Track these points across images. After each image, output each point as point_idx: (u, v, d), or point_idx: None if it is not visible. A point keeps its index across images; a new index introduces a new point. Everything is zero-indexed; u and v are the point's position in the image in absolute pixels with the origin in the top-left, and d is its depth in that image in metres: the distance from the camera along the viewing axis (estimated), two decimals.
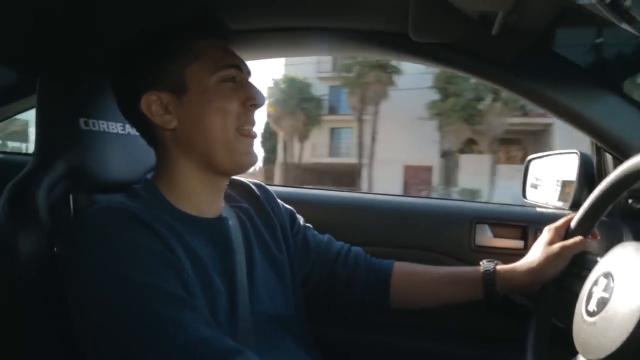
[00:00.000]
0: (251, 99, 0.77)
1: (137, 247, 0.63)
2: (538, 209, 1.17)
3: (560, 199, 1.20)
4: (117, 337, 0.59)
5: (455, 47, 0.95)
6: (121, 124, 0.90)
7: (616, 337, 0.56)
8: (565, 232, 0.91)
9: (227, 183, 0.83)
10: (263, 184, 0.99)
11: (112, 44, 1.04)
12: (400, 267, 0.98)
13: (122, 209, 0.67)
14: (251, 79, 0.81)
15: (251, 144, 0.78)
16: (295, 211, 1.00)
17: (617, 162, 0.99)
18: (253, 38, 1.04)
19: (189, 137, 0.75)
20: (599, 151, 1.07)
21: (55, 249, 0.71)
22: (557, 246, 0.88)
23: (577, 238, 0.87)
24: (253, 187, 0.95)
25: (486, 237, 1.14)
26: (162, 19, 0.77)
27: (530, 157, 1.38)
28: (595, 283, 0.67)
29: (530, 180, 1.35)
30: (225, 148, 0.75)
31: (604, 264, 0.69)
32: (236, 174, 0.81)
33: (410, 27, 0.83)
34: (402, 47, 0.99)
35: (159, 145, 0.79)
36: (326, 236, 1.00)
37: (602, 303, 0.62)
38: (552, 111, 0.99)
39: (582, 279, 0.80)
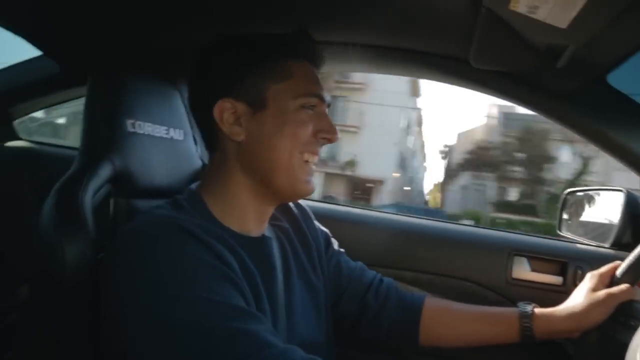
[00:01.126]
0: (324, 132, 0.74)
1: (194, 262, 0.60)
2: (578, 245, 1.13)
3: (599, 237, 1.16)
4: (185, 356, 0.56)
5: (515, 77, 0.92)
6: (165, 128, 0.88)
7: None
8: (611, 280, 0.88)
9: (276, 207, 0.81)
10: (299, 201, 0.95)
11: (165, 41, 1.03)
12: (432, 304, 0.93)
13: (174, 221, 0.64)
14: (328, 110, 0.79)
15: (312, 173, 0.76)
16: (330, 234, 0.96)
17: None
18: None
19: (253, 154, 0.72)
20: None
21: (101, 254, 0.69)
22: (602, 293, 0.84)
23: (624, 286, 0.84)
24: (292, 205, 0.91)
25: (524, 270, 1.10)
26: (250, 27, 0.76)
27: (568, 190, 1.35)
28: None
29: (566, 214, 1.31)
30: (286, 172, 0.72)
31: None
32: (292, 200, 0.79)
33: (472, 53, 0.81)
34: (460, 73, 0.97)
35: (219, 154, 0.75)
36: (359, 264, 0.97)
37: None
38: (606, 148, 0.95)
39: (630, 328, 0.77)
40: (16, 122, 1.40)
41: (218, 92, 0.71)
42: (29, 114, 1.40)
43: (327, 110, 0.77)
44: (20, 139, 1.41)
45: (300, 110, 0.72)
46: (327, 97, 0.76)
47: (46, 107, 1.42)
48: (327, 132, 0.74)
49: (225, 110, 0.71)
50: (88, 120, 0.80)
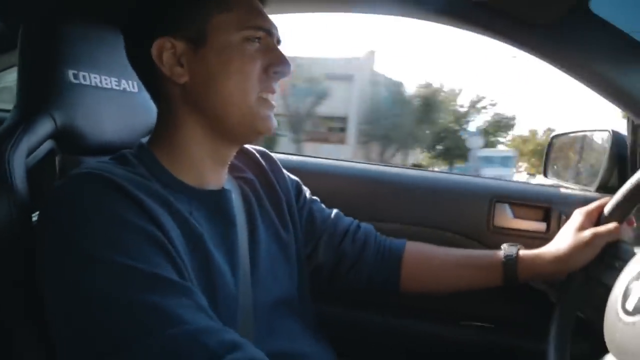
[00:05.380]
0: (276, 65, 0.68)
1: (118, 223, 0.55)
2: (563, 190, 1.09)
3: (586, 180, 1.13)
4: (92, 327, 0.51)
5: (487, 7, 0.84)
6: (116, 79, 0.81)
7: None
8: (598, 218, 0.84)
9: (234, 153, 0.75)
10: (268, 151, 0.90)
11: None
12: (413, 248, 0.91)
13: (103, 176, 0.58)
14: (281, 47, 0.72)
15: (272, 108, 0.70)
16: (301, 182, 0.92)
17: None
18: None
19: (200, 96, 0.66)
20: (635, 130, 0.99)
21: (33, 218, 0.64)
22: (588, 233, 0.81)
23: (612, 225, 0.80)
24: (258, 155, 0.86)
25: (506, 217, 1.06)
26: None
27: (554, 133, 1.30)
28: (637, 278, 0.60)
29: (552, 158, 1.27)
30: (242, 112, 0.66)
31: None
32: (251, 141, 0.73)
33: None
34: (434, 5, 0.89)
35: (164, 102, 0.70)
36: (334, 211, 0.93)
37: None
38: (589, 82, 0.90)
39: (616, 270, 0.73)
40: None
41: (154, 31, 0.65)
42: None
43: (278, 44, 0.71)
44: None
45: (244, 43, 0.66)
46: (275, 30, 0.70)
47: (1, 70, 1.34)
48: (278, 65, 0.68)
49: (164, 50, 0.65)
50: (22, 73, 0.73)
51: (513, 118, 25.06)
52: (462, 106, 22.77)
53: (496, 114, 23.98)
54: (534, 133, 27.51)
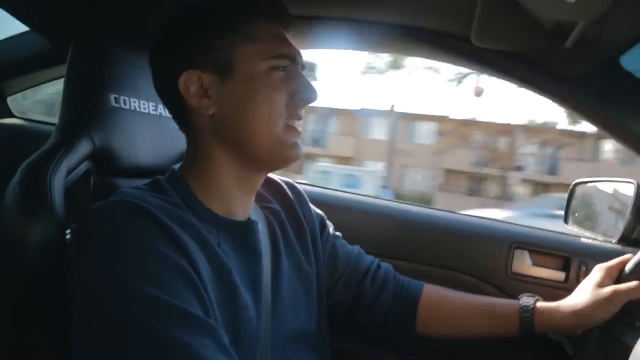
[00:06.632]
0: (301, 92, 0.69)
1: (151, 254, 0.56)
2: (583, 239, 1.08)
3: (608, 231, 1.11)
4: (115, 355, 0.51)
5: (520, 57, 0.86)
6: (153, 104, 0.84)
7: None
8: (619, 275, 0.83)
9: (262, 181, 0.76)
10: (294, 183, 0.91)
11: (156, 15, 0.99)
12: (431, 292, 0.90)
13: (140, 206, 0.59)
14: (305, 72, 0.73)
15: (299, 136, 0.71)
16: (325, 217, 0.92)
17: None
18: (310, 25, 0.96)
19: (228, 126, 0.67)
20: None
21: (68, 237, 0.66)
22: (608, 290, 0.80)
23: (633, 283, 0.79)
24: (284, 186, 0.87)
25: (525, 264, 1.05)
26: None
27: (576, 180, 1.29)
28: None
29: (574, 205, 1.26)
30: (270, 141, 0.67)
31: None
32: (279, 168, 0.73)
33: (473, 31, 0.75)
34: (462, 51, 0.91)
35: (192, 132, 0.70)
36: (356, 248, 0.93)
37: None
38: (617, 135, 0.89)
39: (636, 330, 0.72)
40: (9, 100, 1.37)
41: (181, 64, 0.66)
42: (21, 90, 1.37)
43: (302, 70, 0.72)
44: (14, 116, 1.38)
45: (270, 72, 0.67)
46: (299, 57, 0.71)
47: (39, 84, 1.39)
48: (304, 92, 0.69)
49: (192, 83, 0.66)
50: (67, 94, 0.76)
51: None
52: None
53: None
54: None
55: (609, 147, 16.91)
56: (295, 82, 0.69)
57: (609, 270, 0.84)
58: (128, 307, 0.52)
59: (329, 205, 1.02)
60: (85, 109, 0.75)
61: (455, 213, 1.18)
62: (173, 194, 0.66)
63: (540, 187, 17.55)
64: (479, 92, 14.52)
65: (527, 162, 17.89)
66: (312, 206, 0.89)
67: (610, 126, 0.90)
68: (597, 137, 16.89)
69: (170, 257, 0.56)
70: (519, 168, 17.34)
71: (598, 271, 0.85)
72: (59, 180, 0.67)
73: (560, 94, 0.89)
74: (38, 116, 1.45)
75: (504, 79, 0.91)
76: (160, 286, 0.53)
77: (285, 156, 0.69)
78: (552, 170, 17.96)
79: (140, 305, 0.52)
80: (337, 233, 0.93)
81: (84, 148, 0.72)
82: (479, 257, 1.07)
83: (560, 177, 16.69)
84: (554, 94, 0.89)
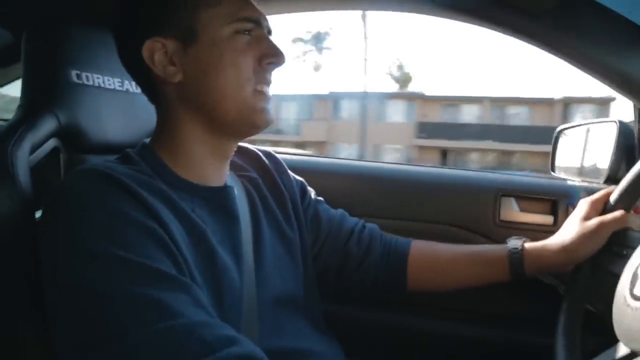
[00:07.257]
0: (269, 56, 0.68)
1: (118, 218, 0.55)
2: (569, 182, 1.08)
3: (593, 172, 1.11)
4: (88, 318, 0.51)
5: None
6: (119, 80, 0.83)
7: None
8: (603, 207, 0.83)
9: (235, 148, 0.75)
10: (272, 152, 0.91)
11: None
12: (418, 247, 0.90)
13: (105, 172, 0.58)
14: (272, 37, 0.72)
15: (268, 101, 0.70)
16: (305, 182, 0.92)
17: None
18: None
19: (195, 93, 0.66)
20: None
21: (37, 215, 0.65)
22: (594, 222, 0.80)
23: (618, 213, 0.79)
24: (262, 155, 0.87)
25: (512, 211, 1.06)
26: None
27: (560, 127, 1.28)
28: None
29: (559, 152, 1.26)
30: (238, 106, 0.66)
31: None
32: (249, 135, 0.73)
33: None
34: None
35: (161, 102, 0.70)
36: (339, 211, 0.93)
37: None
38: (592, 70, 0.88)
39: (624, 258, 0.72)
40: None
41: (143, 33, 0.65)
42: None
43: (269, 34, 0.71)
44: None
45: (234, 36, 0.66)
46: (264, 20, 0.70)
47: (11, 81, 1.36)
48: (272, 56, 0.68)
49: (156, 51, 0.65)
50: (26, 74, 0.75)
51: None
52: None
53: None
54: None
55: None
56: (262, 46, 0.68)
57: (594, 204, 0.83)
58: (98, 269, 0.52)
59: (310, 171, 1.01)
60: (46, 86, 0.74)
61: (439, 167, 1.18)
62: (143, 165, 0.66)
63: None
64: (317, 67, 16.38)
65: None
66: (291, 173, 0.89)
67: (587, 62, 0.89)
68: None
69: (138, 219, 0.56)
70: None
71: (583, 205, 0.85)
72: (21, 156, 0.66)
73: (531, 32, 0.88)
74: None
75: (472, 22, 0.90)
76: (129, 248, 0.53)
77: (254, 121, 0.69)
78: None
79: (109, 267, 0.52)
80: (320, 198, 0.93)
81: (48, 125, 0.72)
82: (466, 208, 1.07)
83: None
84: (526, 33, 0.88)
